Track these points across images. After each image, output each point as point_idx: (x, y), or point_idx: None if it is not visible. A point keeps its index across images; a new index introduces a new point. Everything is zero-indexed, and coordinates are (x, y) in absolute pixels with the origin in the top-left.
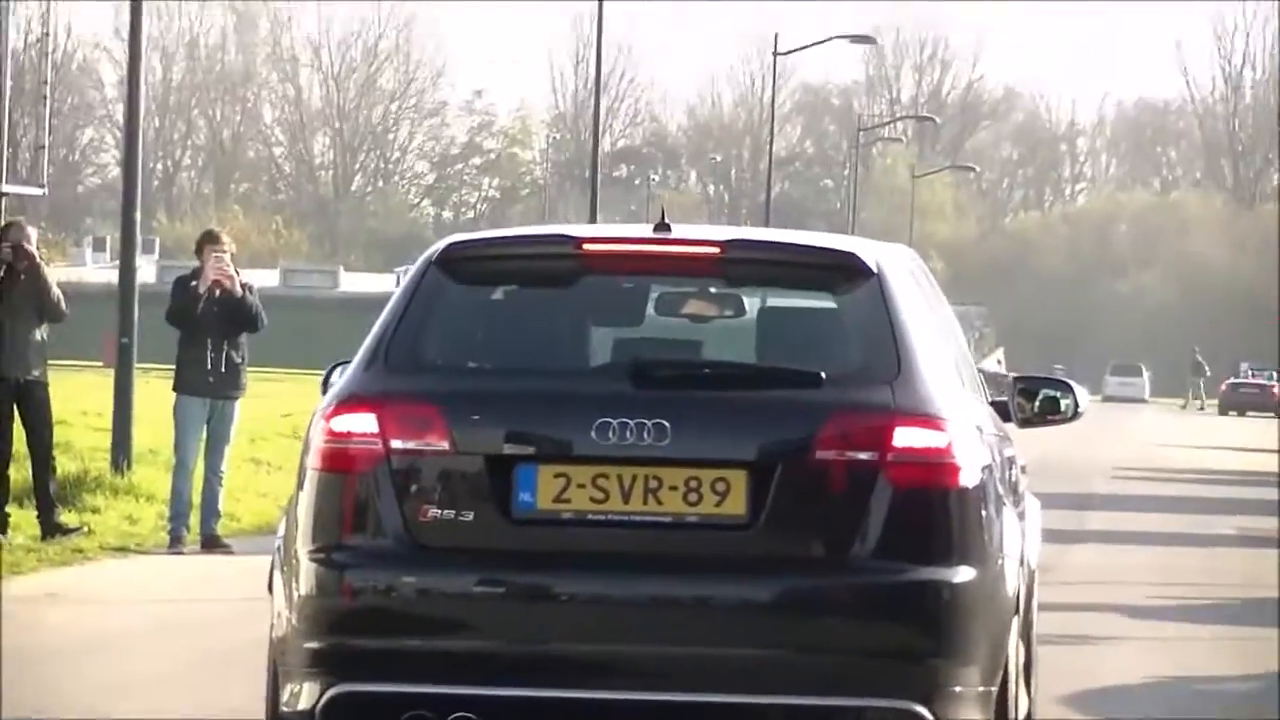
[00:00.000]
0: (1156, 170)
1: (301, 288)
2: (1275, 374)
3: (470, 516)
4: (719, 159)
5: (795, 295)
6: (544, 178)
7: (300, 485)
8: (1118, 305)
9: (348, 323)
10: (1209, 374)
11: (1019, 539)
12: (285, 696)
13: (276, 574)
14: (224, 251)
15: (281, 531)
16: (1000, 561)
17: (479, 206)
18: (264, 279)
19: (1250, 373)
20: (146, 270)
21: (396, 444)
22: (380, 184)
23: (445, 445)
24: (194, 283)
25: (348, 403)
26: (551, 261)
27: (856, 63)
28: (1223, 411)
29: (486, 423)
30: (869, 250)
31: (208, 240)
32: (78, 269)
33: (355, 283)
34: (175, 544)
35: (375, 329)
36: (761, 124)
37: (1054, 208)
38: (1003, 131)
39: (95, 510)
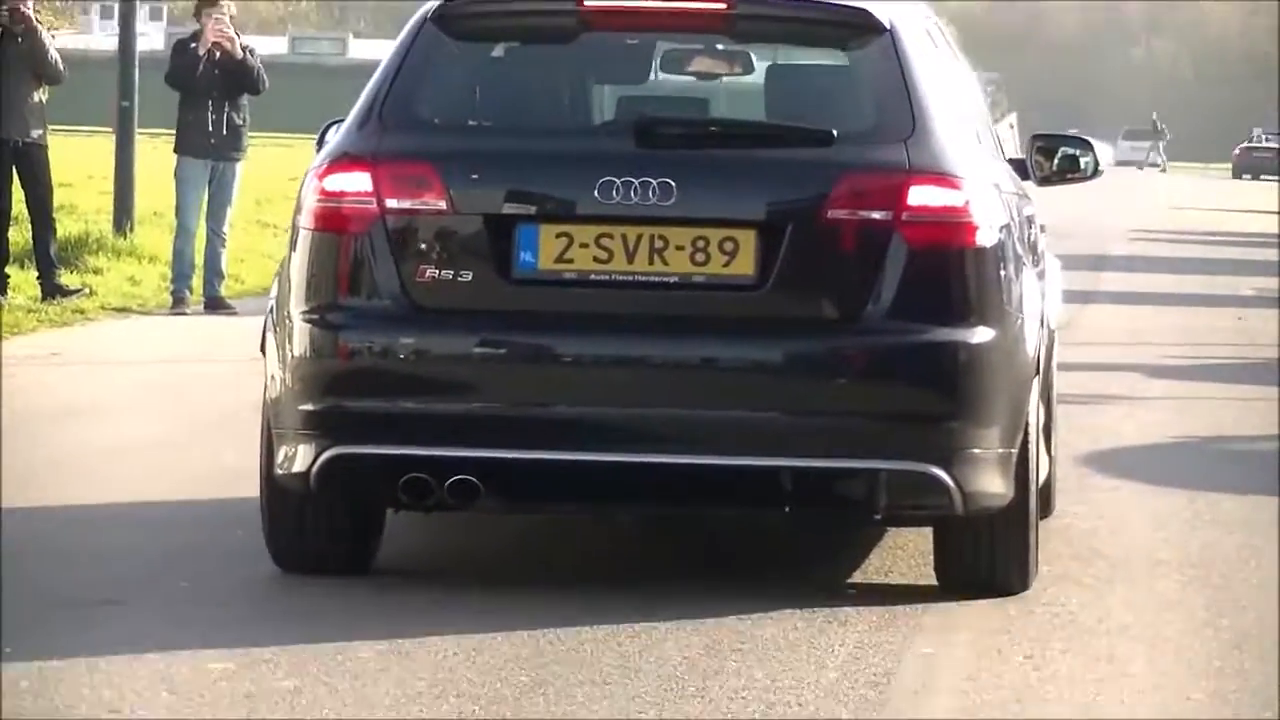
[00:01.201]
0: None
1: (309, 54)
2: None
3: (469, 277)
4: None
5: (806, 53)
6: None
7: (293, 245)
8: (1130, 71)
9: (356, 88)
10: (1169, 137)
11: (1038, 299)
12: (280, 459)
13: (269, 335)
14: (223, 13)
15: (274, 292)
16: (1019, 321)
17: None
18: (271, 46)
19: (1264, 137)
20: (154, 38)
21: (392, 203)
22: None
23: (443, 204)
24: (193, 44)
25: (341, 161)
26: (552, 18)
27: None
28: (1236, 175)
29: (485, 181)
30: (882, 6)
31: (207, 2)
32: (84, 36)
33: (364, 49)
34: (178, 305)
35: (369, 87)
36: None
37: None
38: None
39: (97, 271)
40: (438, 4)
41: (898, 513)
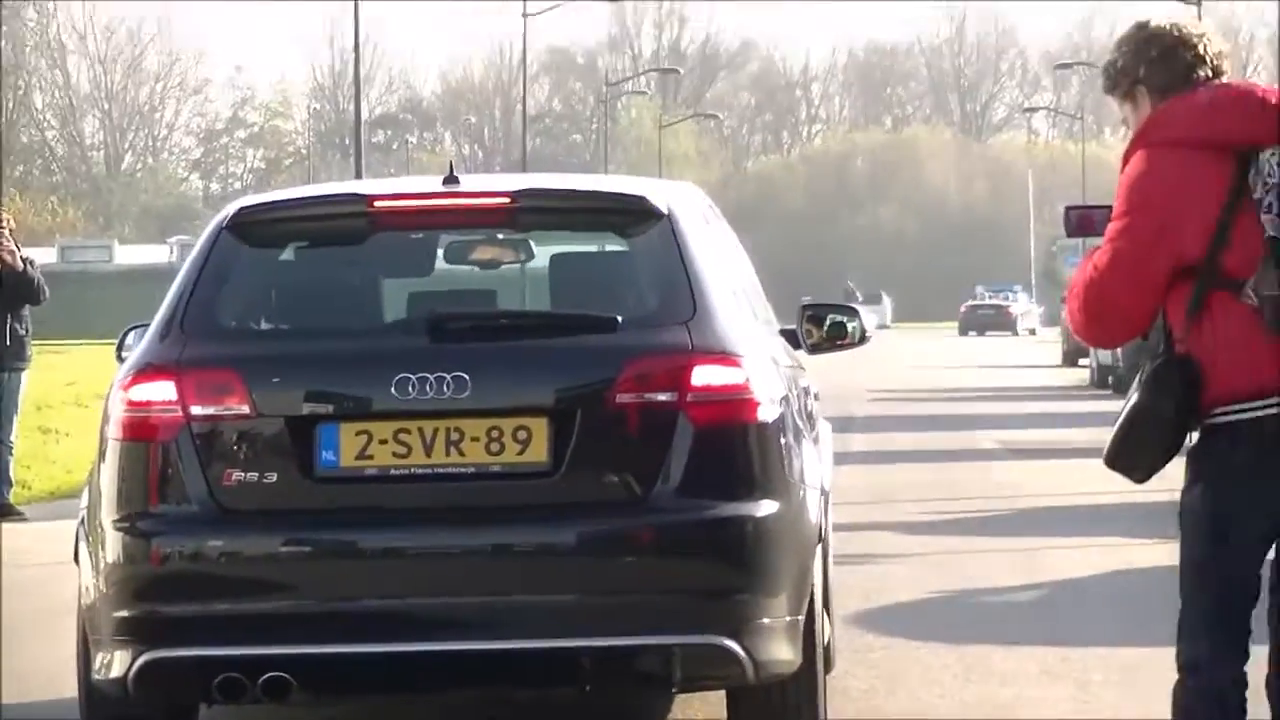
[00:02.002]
0: (888, 109)
1: (78, 262)
2: (1010, 294)
3: (274, 478)
4: (473, 120)
5: (588, 240)
6: (306, 147)
7: (102, 455)
8: (858, 238)
9: (125, 292)
10: (860, 299)
11: (817, 467)
12: (97, 665)
13: (82, 544)
14: (3, 228)
15: (85, 501)
16: (802, 492)
17: (245, 177)
18: (42, 256)
19: (986, 294)
20: None
21: (196, 410)
22: (150, 161)
23: (245, 409)
24: None
25: (145, 371)
26: (343, 220)
27: (599, 24)
28: (963, 332)
29: (286, 384)
30: (659, 192)
31: None
32: None
33: (130, 254)
34: None
35: (170, 296)
36: (511, 84)
37: (793, 150)
38: (740, 81)
39: None
40: (232, 212)
41: (692, 684)
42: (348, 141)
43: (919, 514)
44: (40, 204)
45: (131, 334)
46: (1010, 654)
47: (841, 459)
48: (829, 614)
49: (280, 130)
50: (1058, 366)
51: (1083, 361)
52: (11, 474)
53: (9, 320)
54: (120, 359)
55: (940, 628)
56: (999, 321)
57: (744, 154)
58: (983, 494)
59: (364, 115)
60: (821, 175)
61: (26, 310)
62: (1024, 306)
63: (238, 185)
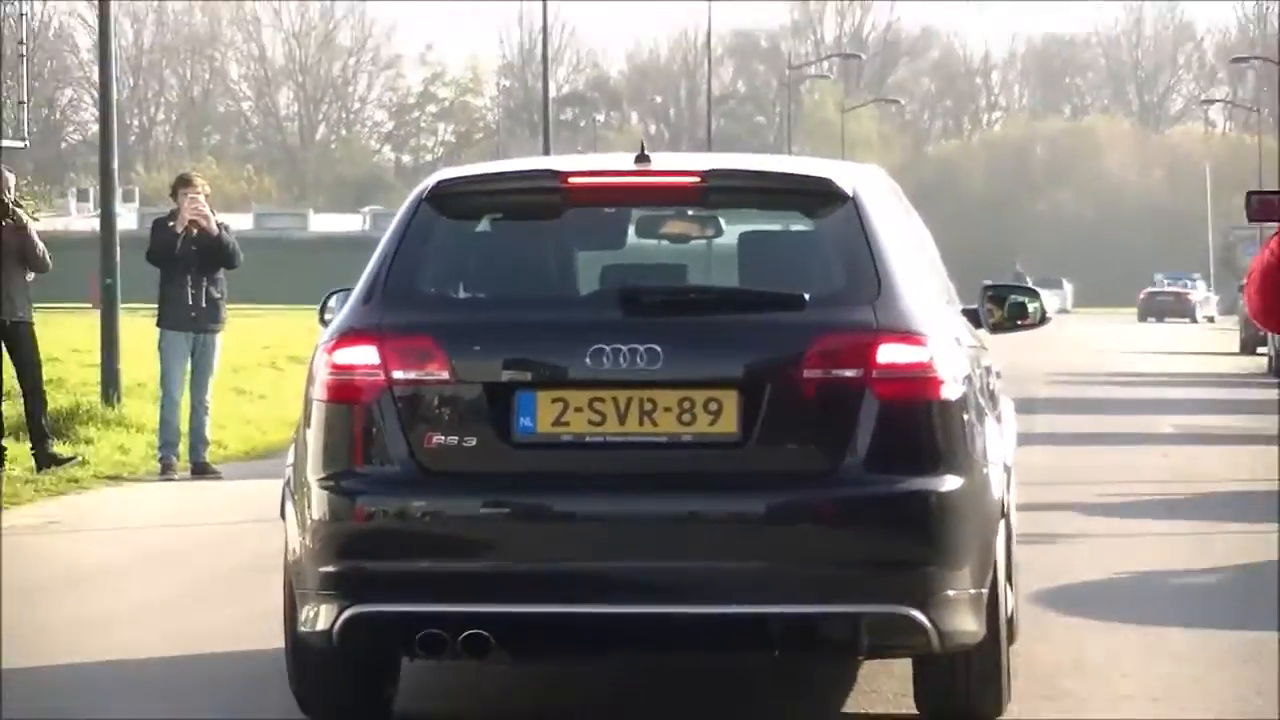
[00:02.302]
0: (1067, 97)
1: (274, 229)
2: (1189, 282)
3: (473, 442)
4: (659, 100)
5: (774, 219)
6: (495, 122)
7: (306, 416)
8: (1037, 223)
9: (319, 258)
10: (1028, 283)
11: (1000, 444)
12: (303, 618)
13: (288, 502)
14: (199, 192)
15: (290, 460)
16: (985, 468)
17: (436, 150)
18: (238, 223)
19: (1165, 282)
20: (128, 218)
21: (398, 374)
22: (343, 132)
23: (445, 374)
24: (171, 223)
25: (348, 336)
26: (539, 195)
27: (782, 10)
28: (1141, 318)
29: (484, 351)
30: (845, 174)
31: (182, 183)
32: (63, 218)
33: (324, 223)
34: (166, 471)
35: (371, 263)
36: (696, 66)
37: (973, 135)
38: (921, 67)
39: (88, 441)
40: (432, 184)
41: (879, 652)
42: (536, 118)
43: (1099, 496)
44: (236, 172)
45: (334, 298)
46: (1192, 635)
47: (1023, 439)
48: (1011, 587)
49: (470, 106)
50: (1235, 354)
51: (1261, 350)
52: (208, 434)
53: (205, 284)
54: (323, 322)
55: (1122, 608)
56: (1178, 308)
57: (924, 138)
58: (1161, 478)
59: (552, 93)
60: (1001, 160)
61: (222, 274)
62: (1202, 294)
63: (428, 158)
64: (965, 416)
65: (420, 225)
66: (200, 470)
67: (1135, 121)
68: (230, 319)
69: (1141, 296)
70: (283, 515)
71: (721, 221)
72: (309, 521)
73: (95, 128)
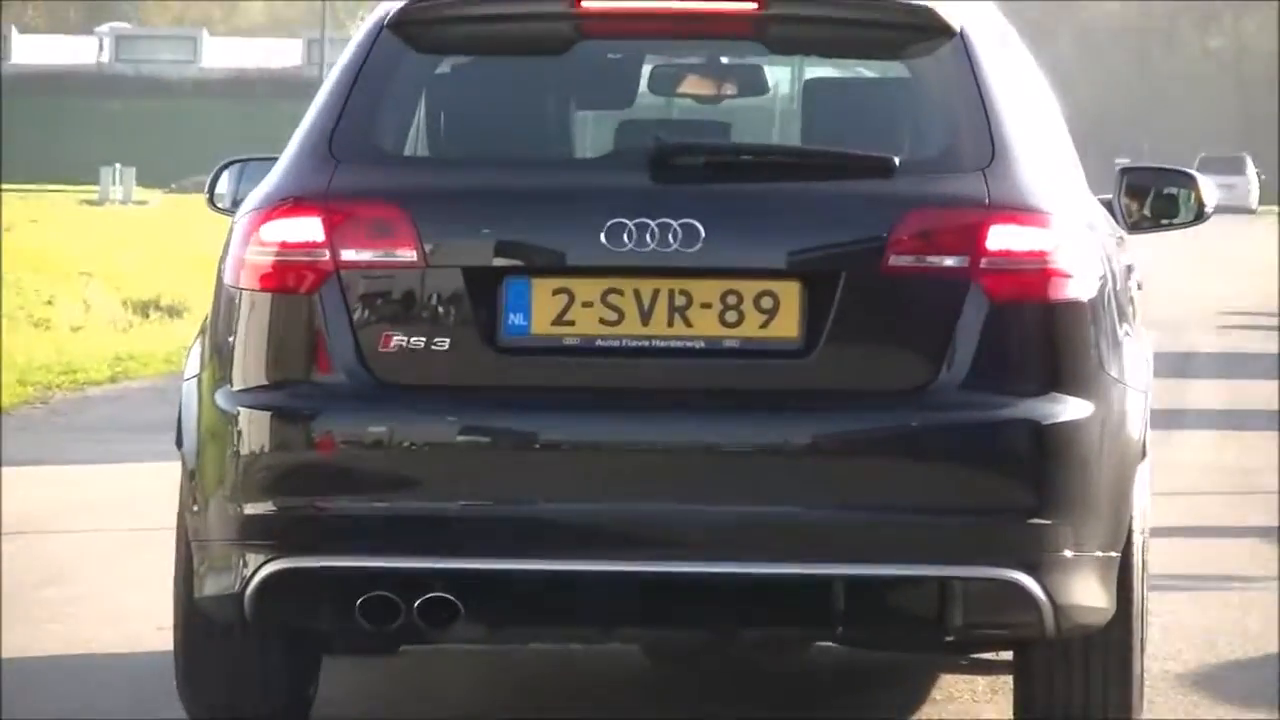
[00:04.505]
0: None
1: None
2: None
3: (445, 346)
4: None
5: (855, 64)
6: None
7: (217, 309)
8: (1207, 72)
9: (24, 108)
10: (1262, 177)
11: (1142, 365)
12: (203, 580)
13: (187, 427)
14: None
15: (190, 372)
16: (1123, 392)
17: None
18: None
19: None
20: None
21: (349, 255)
22: None
23: (412, 256)
24: None
25: (283, 205)
26: (541, 22)
27: None
28: None
29: (464, 226)
30: (950, 6)
31: None
32: None
33: (34, 50)
34: None
35: (312, 113)
36: None
37: None
38: None
39: None
40: (397, 6)
41: (973, 633)
42: None
43: None
44: None
45: (228, 172)
46: None
47: (1179, 420)
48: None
49: None
50: None
51: None
52: None
53: None
54: (214, 205)
55: None
56: None
57: None
58: None
59: None
60: None
61: None
62: None
63: None
64: (1098, 324)
65: (379, 63)
66: None
67: None
68: None
69: None
70: (179, 444)
71: (767, 75)
72: (218, 450)
73: None
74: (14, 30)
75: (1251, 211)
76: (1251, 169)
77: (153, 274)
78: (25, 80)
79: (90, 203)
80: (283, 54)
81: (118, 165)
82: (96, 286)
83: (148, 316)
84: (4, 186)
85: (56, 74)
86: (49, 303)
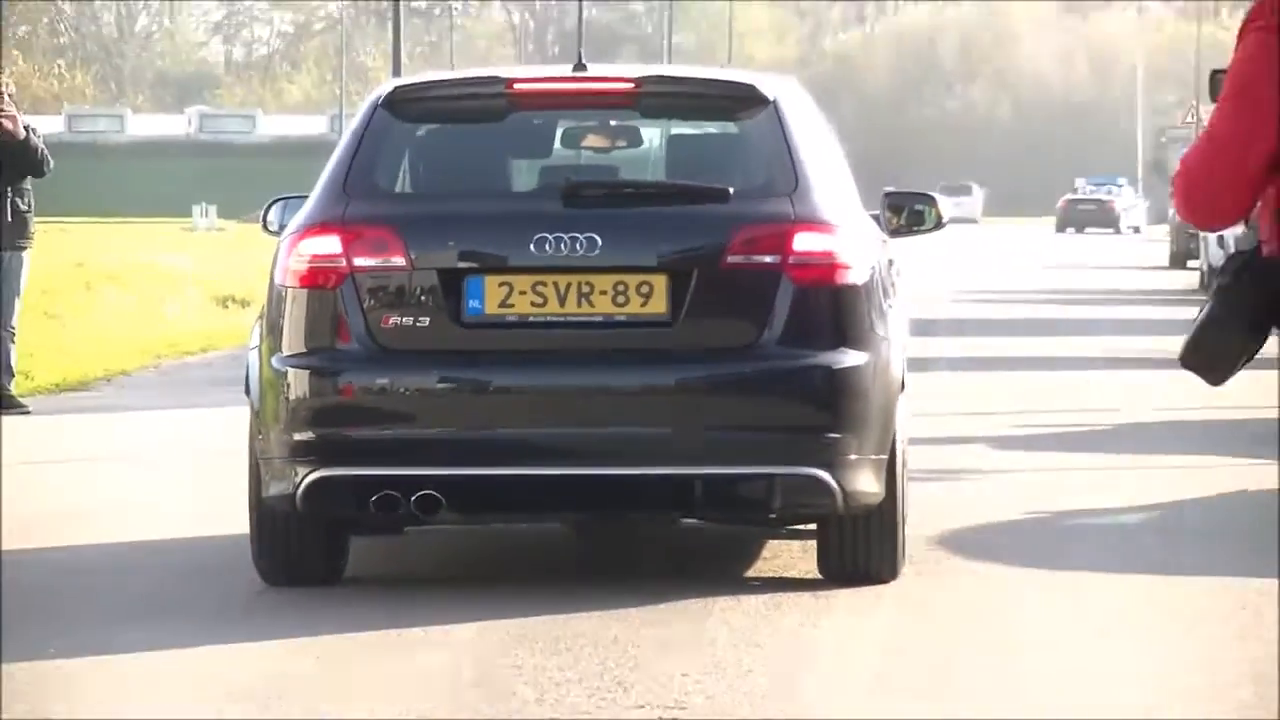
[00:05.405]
0: None
1: (87, 132)
2: (1114, 187)
3: (426, 322)
4: None
5: (701, 124)
6: (338, 11)
7: (270, 300)
8: (945, 124)
9: (138, 165)
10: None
11: (900, 326)
12: (268, 485)
13: (253, 378)
14: (2, 91)
15: (253, 344)
16: (887, 347)
17: (272, 42)
18: (48, 125)
19: (1087, 188)
20: None
21: (359, 262)
22: (166, 22)
23: (402, 262)
24: None
25: (314, 227)
26: (485, 100)
27: None
28: (1060, 229)
29: (438, 241)
30: (766, 82)
31: None
32: None
33: (144, 125)
34: None
35: (331, 164)
36: None
37: (876, 25)
38: None
39: None
40: (388, 90)
41: (789, 512)
42: (384, 5)
43: (1010, 428)
44: (46, 68)
45: (275, 206)
46: (1111, 581)
47: (926, 365)
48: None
49: None
50: (1165, 268)
51: (1192, 264)
52: (13, 363)
53: (9, 195)
54: (267, 229)
55: (1034, 552)
56: (1100, 217)
57: (822, 30)
58: (1081, 406)
59: None
60: (907, 54)
61: (29, 184)
62: (1129, 201)
63: (263, 50)
64: (870, 299)
65: (376, 128)
66: (4, 404)
67: (1059, 7)
68: (39, 234)
69: (1061, 204)
70: (247, 392)
71: (642, 133)
72: (274, 396)
73: None
74: (129, 111)
75: (975, 222)
76: (978, 191)
77: (230, 278)
78: (139, 146)
79: (186, 230)
80: (314, 125)
81: (204, 203)
82: (192, 286)
83: (226, 307)
84: (130, 220)
85: (159, 142)
86: (160, 299)
